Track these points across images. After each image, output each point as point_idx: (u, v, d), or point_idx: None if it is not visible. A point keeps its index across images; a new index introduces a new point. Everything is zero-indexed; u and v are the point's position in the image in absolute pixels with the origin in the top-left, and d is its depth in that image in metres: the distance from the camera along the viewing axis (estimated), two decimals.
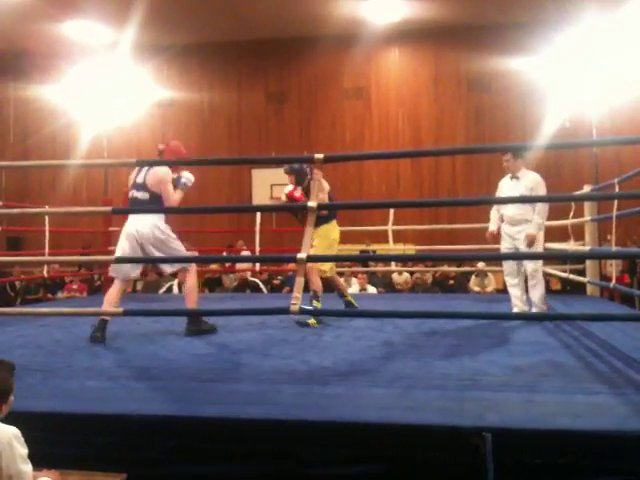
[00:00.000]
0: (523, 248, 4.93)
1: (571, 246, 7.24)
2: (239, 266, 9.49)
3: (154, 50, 13.19)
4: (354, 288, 8.90)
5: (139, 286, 10.09)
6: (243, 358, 3.65)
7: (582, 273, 7.22)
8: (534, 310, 5.07)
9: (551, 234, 6.73)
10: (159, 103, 13.93)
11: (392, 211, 8.38)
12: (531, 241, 4.87)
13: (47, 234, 7.61)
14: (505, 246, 5.16)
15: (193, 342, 4.21)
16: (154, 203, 4.39)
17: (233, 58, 13.97)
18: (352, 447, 2.37)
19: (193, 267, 4.62)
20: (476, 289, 9.61)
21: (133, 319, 4.94)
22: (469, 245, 7.80)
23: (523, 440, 2.28)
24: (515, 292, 5.17)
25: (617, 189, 5.46)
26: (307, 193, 5.06)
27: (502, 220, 5.20)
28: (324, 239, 5.09)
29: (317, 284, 5.12)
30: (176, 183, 4.49)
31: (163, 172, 4.42)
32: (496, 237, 5.25)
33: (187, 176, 4.55)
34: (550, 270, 7.63)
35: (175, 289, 8.46)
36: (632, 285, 9.67)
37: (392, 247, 8.84)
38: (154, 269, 8.88)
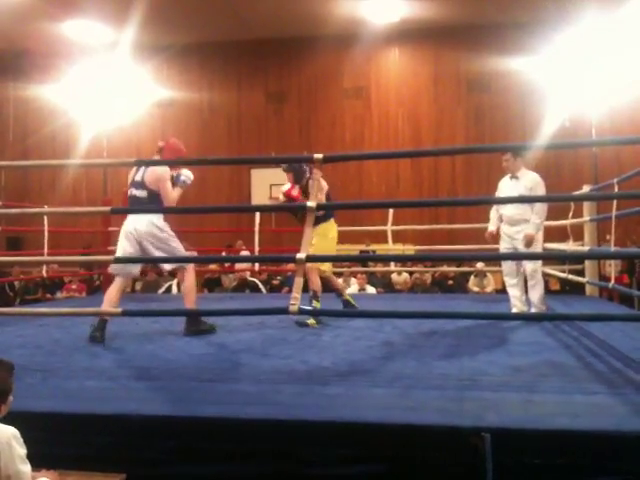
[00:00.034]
0: (522, 248, 4.93)
1: (570, 246, 7.24)
2: (238, 266, 9.49)
3: (154, 50, 13.19)
4: (353, 288, 8.89)
5: (138, 286, 10.09)
6: (242, 358, 3.65)
7: (581, 273, 7.22)
8: (533, 310, 5.07)
9: (550, 234, 6.73)
10: (159, 103, 13.93)
11: (391, 211, 8.38)
12: (529, 241, 4.87)
13: (46, 234, 7.61)
14: (504, 246, 5.16)
15: (192, 342, 4.21)
16: (152, 201, 4.39)
17: (233, 58, 13.97)
18: (352, 447, 2.37)
19: (191, 266, 4.62)
20: (475, 289, 9.61)
21: (132, 319, 4.93)
22: (468, 245, 7.81)
23: (522, 440, 2.28)
24: (514, 292, 5.17)
25: (616, 189, 5.46)
26: (305, 192, 5.06)
27: (501, 220, 5.21)
28: (323, 238, 5.09)
29: (317, 284, 5.12)
30: (175, 181, 4.49)
31: (161, 170, 4.42)
32: (495, 237, 5.25)
33: (186, 174, 4.54)
34: (549, 270, 7.63)
35: (174, 289, 8.45)
36: (631, 285, 9.68)
37: (391, 247, 8.84)
38: (154, 268, 8.89)
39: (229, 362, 3.57)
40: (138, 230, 4.35)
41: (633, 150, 10.72)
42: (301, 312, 3.50)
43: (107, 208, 5.24)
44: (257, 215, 8.68)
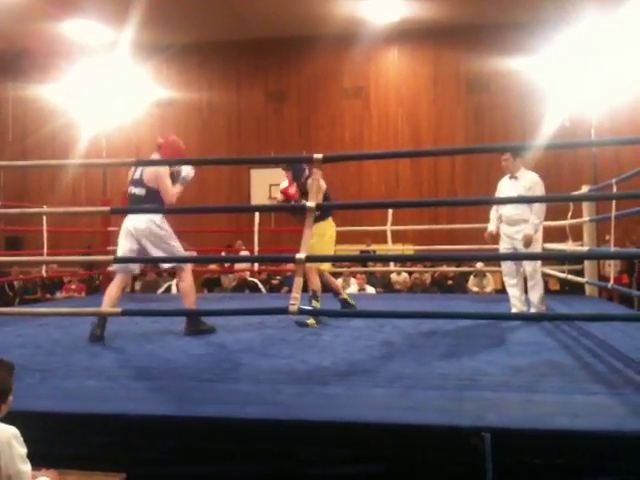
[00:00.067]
0: (521, 248, 4.93)
1: (570, 246, 7.25)
2: (238, 266, 9.49)
3: (153, 50, 13.18)
4: (353, 288, 8.90)
5: (137, 286, 10.09)
6: (242, 358, 3.65)
7: (581, 273, 7.22)
8: (533, 310, 5.08)
9: (550, 234, 6.73)
10: (158, 102, 13.93)
11: (391, 211, 8.38)
12: (528, 241, 4.87)
13: (45, 234, 7.61)
14: (504, 246, 5.16)
15: (192, 342, 4.21)
16: (151, 198, 4.39)
17: (232, 57, 13.97)
18: (352, 447, 2.37)
19: (188, 266, 4.63)
20: (475, 289, 9.61)
21: (132, 319, 4.93)
22: (468, 245, 7.81)
23: (522, 440, 2.28)
24: (514, 292, 5.17)
25: (615, 189, 5.47)
26: (302, 190, 5.07)
27: (501, 220, 5.21)
28: (320, 237, 5.09)
29: (316, 284, 5.11)
30: (176, 177, 4.49)
31: (160, 167, 4.43)
32: (495, 238, 5.25)
33: (187, 169, 4.55)
34: (549, 270, 7.64)
35: (174, 289, 8.45)
36: (631, 285, 9.67)
37: (391, 247, 8.84)
38: (153, 267, 8.90)
39: (229, 362, 3.56)
40: (137, 228, 4.36)
41: (633, 150, 10.72)
42: (301, 312, 3.50)
43: (106, 208, 5.24)
44: (256, 215, 8.67)
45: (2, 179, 14.61)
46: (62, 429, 2.53)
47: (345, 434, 2.39)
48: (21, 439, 2.00)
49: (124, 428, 2.51)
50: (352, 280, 9.06)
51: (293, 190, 5.09)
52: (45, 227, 7.63)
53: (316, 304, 4.93)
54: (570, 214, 6.96)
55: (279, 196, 5.24)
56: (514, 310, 5.14)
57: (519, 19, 11.99)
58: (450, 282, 10.25)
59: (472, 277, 9.79)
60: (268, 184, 12.37)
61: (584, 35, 10.40)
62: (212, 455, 2.45)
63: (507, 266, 5.24)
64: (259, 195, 12.93)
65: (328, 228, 5.23)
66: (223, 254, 9.76)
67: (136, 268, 4.76)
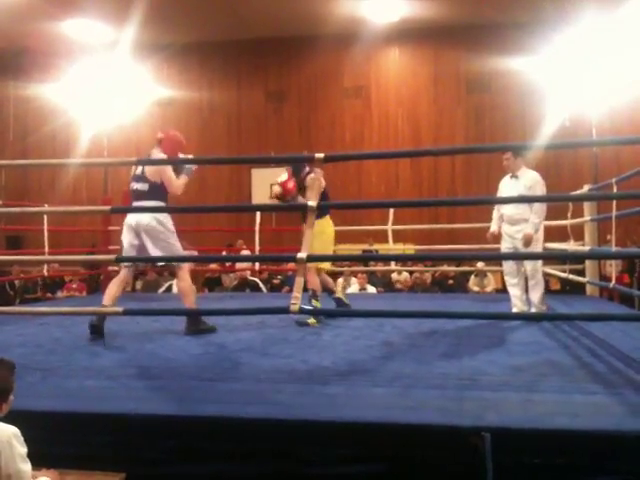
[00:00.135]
0: (522, 248, 4.93)
1: (571, 246, 7.24)
2: (239, 265, 9.49)
3: (154, 49, 13.18)
4: (354, 288, 8.90)
5: (138, 285, 10.09)
6: (243, 357, 3.65)
7: (582, 273, 7.22)
8: (533, 310, 5.08)
9: (551, 234, 6.73)
10: (159, 102, 13.93)
11: (392, 211, 8.38)
12: (527, 241, 4.87)
13: (46, 233, 7.61)
14: (505, 246, 5.16)
15: (192, 341, 4.21)
16: (154, 193, 4.41)
17: (233, 57, 13.97)
18: (352, 447, 2.38)
19: (185, 266, 4.63)
20: (475, 289, 9.61)
21: (132, 318, 4.94)
22: (469, 245, 7.81)
23: (522, 440, 2.28)
24: (515, 292, 5.17)
25: (615, 189, 5.47)
26: (300, 185, 5.08)
27: (503, 220, 5.21)
28: (318, 236, 5.07)
29: (315, 283, 5.11)
30: (179, 169, 4.51)
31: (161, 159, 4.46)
32: (497, 238, 5.26)
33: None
34: (550, 270, 7.64)
35: (174, 288, 8.45)
36: (631, 285, 9.67)
37: (391, 247, 8.84)
38: (152, 265, 8.88)
39: (229, 361, 3.57)
40: (139, 222, 4.39)
41: (633, 150, 10.72)
42: (302, 312, 3.50)
43: (107, 207, 5.25)
44: (257, 214, 8.68)
45: (3, 178, 14.61)
46: (62, 428, 2.53)
47: (345, 434, 2.39)
48: (21, 438, 2.01)
49: (124, 428, 2.52)
50: (353, 280, 9.06)
51: (291, 184, 5.08)
52: (46, 226, 7.64)
53: (316, 303, 4.94)
54: (570, 214, 6.95)
55: (277, 188, 5.22)
56: (515, 310, 5.14)
57: (519, 19, 11.98)
58: (451, 282, 10.24)
59: (473, 277, 9.78)
60: (269, 184, 12.29)
61: (584, 35, 10.39)
62: (212, 455, 2.45)
63: (508, 265, 5.24)
64: (260, 195, 12.92)
65: (326, 226, 5.23)
66: (224, 253, 9.77)
67: (140, 263, 4.80)
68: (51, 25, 12.30)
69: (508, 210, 5.11)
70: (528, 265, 5.08)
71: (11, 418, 2.06)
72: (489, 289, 9.56)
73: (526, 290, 5.19)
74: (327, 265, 5.38)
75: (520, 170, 5.11)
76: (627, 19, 9.90)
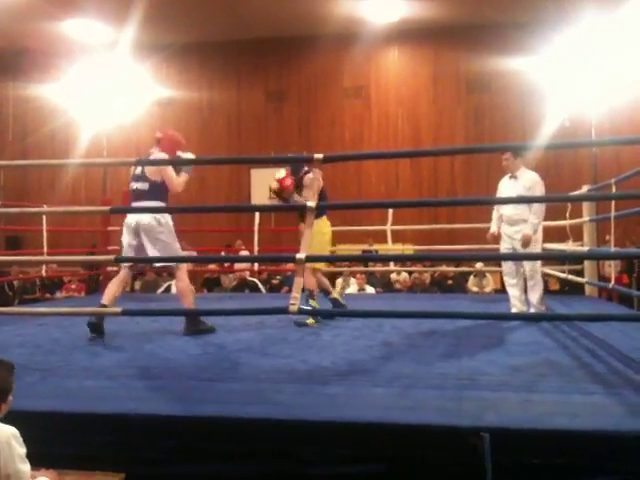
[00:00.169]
0: (520, 248, 4.93)
1: (570, 246, 7.25)
2: (238, 266, 9.49)
3: (153, 49, 13.18)
4: (353, 288, 8.90)
5: (137, 286, 10.08)
6: (242, 357, 3.65)
7: (580, 273, 7.22)
8: (532, 310, 5.08)
9: (550, 234, 6.73)
10: (158, 102, 13.93)
11: (391, 211, 8.38)
12: (526, 242, 4.87)
13: (45, 233, 7.61)
14: (504, 246, 5.16)
15: (192, 342, 4.21)
16: (154, 192, 4.42)
17: (232, 57, 13.97)
18: (351, 447, 2.38)
19: (183, 266, 4.63)
20: (474, 289, 9.61)
21: (132, 319, 4.93)
22: (468, 245, 7.81)
23: (521, 440, 2.28)
24: (514, 292, 5.17)
25: (614, 189, 5.47)
26: (297, 184, 5.08)
27: (502, 220, 5.21)
28: (317, 235, 5.08)
29: (311, 283, 5.10)
30: (179, 167, 4.52)
31: (160, 158, 4.45)
32: (497, 238, 5.26)
33: (187, 156, 4.55)
34: (549, 270, 7.64)
35: (173, 289, 8.45)
36: (630, 285, 9.67)
37: (391, 247, 8.85)
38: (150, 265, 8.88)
39: (229, 361, 3.57)
40: (139, 222, 4.40)
41: (632, 150, 10.73)
42: (301, 312, 3.50)
43: (106, 208, 5.25)
44: (257, 215, 8.68)
45: (2, 178, 14.60)
46: (62, 429, 2.53)
47: (345, 434, 2.39)
48: (20, 439, 2.01)
49: (124, 428, 2.51)
50: (352, 280, 9.06)
51: (289, 181, 5.08)
52: (45, 227, 7.63)
53: (313, 303, 4.93)
54: (568, 214, 6.96)
55: (274, 184, 5.22)
56: (514, 310, 5.14)
57: (519, 19, 11.98)
58: (450, 282, 10.25)
59: (472, 277, 9.79)
60: (268, 184, 12.32)
61: (584, 35, 10.39)
62: (212, 455, 2.45)
63: (507, 266, 5.24)
64: (259, 195, 12.91)
65: (323, 226, 5.23)
66: (223, 254, 9.76)
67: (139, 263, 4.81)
68: (51, 25, 12.30)
69: (507, 210, 5.11)
70: (527, 265, 5.09)
71: (10, 418, 2.06)
72: (488, 289, 9.57)
73: (525, 290, 5.19)
74: (323, 265, 5.38)
75: (519, 170, 5.11)
76: (627, 19, 9.91)
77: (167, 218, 4.47)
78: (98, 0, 11.21)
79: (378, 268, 9.68)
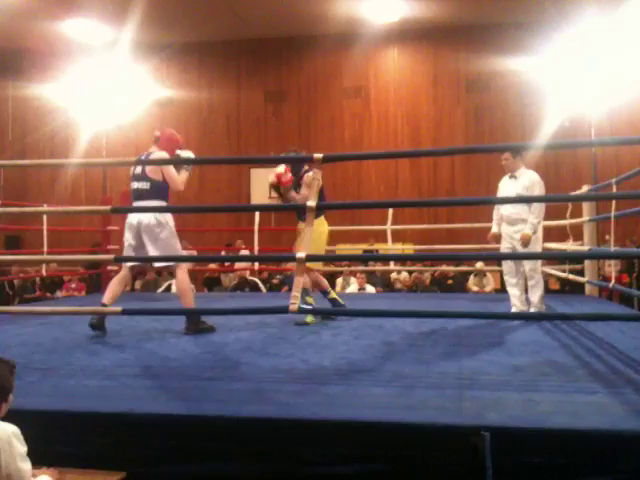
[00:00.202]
0: (520, 248, 4.93)
1: (570, 246, 7.25)
2: (238, 265, 9.50)
3: (153, 49, 13.18)
4: (353, 287, 8.91)
5: (138, 285, 10.09)
6: (242, 357, 3.65)
7: (581, 273, 7.23)
8: (532, 310, 5.08)
9: (550, 234, 6.74)
10: (158, 102, 13.92)
11: (391, 211, 8.39)
12: (525, 241, 4.87)
13: (45, 233, 7.61)
14: (505, 246, 5.17)
15: (192, 341, 4.21)
16: (155, 191, 4.42)
17: (232, 57, 13.97)
18: (351, 446, 2.37)
19: (183, 266, 4.63)
20: (475, 289, 9.62)
21: (132, 318, 4.94)
22: (468, 245, 7.81)
23: (522, 439, 2.28)
24: (514, 292, 5.17)
25: (614, 189, 5.47)
26: (296, 183, 5.08)
27: (503, 220, 5.21)
28: (313, 235, 5.07)
29: (305, 282, 5.09)
30: (179, 164, 4.52)
31: (160, 157, 4.45)
32: (498, 239, 5.26)
33: (186, 154, 4.55)
34: (549, 270, 7.64)
35: (174, 288, 8.45)
36: (631, 285, 9.68)
37: (391, 247, 8.85)
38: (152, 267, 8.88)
39: (229, 361, 3.57)
40: (140, 221, 4.41)
41: (632, 150, 10.74)
42: (301, 311, 3.50)
43: (107, 207, 5.24)
44: (257, 214, 8.68)
45: (2, 178, 14.60)
46: (62, 428, 2.53)
47: (345, 433, 2.39)
48: (21, 437, 2.01)
49: (124, 427, 2.51)
50: (352, 279, 9.06)
51: (288, 177, 5.08)
52: (45, 226, 7.64)
53: (309, 300, 4.92)
54: (569, 214, 6.96)
55: (272, 178, 5.21)
56: (514, 309, 5.14)
57: (519, 19, 11.99)
58: (450, 281, 10.25)
59: (472, 276, 9.79)
60: (268, 183, 12.33)
61: (584, 35, 10.40)
62: (212, 454, 2.45)
63: (508, 265, 5.25)
64: (259, 195, 12.91)
65: (320, 224, 5.22)
66: (223, 253, 9.77)
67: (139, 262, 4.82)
68: (51, 25, 12.30)
69: (507, 210, 5.11)
70: (527, 265, 5.09)
71: (11, 417, 2.06)
72: (488, 289, 9.57)
73: (525, 290, 5.19)
74: (319, 265, 5.37)
75: (519, 170, 5.11)
76: (627, 19, 9.91)
77: (168, 218, 4.47)
78: (98, 0, 11.21)
79: (379, 268, 9.69)
